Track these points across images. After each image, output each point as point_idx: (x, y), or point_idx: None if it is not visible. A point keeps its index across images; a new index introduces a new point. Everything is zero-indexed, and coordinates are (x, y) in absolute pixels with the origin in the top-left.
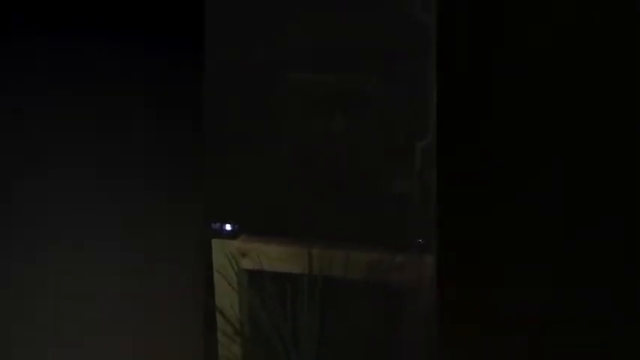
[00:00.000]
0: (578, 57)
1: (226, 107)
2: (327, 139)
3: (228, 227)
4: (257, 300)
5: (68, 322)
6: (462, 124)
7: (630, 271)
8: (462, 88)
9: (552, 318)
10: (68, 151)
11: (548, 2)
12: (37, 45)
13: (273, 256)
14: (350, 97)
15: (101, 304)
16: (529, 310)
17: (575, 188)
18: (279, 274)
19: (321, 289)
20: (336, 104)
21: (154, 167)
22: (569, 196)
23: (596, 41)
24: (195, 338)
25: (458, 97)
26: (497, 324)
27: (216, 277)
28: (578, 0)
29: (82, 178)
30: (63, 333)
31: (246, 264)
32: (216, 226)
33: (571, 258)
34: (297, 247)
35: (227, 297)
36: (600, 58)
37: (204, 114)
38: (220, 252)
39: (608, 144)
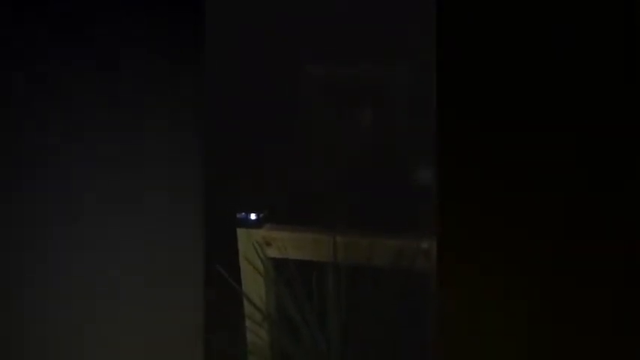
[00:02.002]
0: (580, 56)
1: (252, 98)
2: (351, 130)
3: (253, 216)
4: (283, 288)
5: (67, 321)
6: (465, 111)
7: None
8: (462, 86)
9: (552, 315)
10: (69, 153)
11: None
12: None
13: (298, 244)
14: (373, 88)
15: (101, 304)
16: (529, 308)
17: (577, 187)
18: (305, 262)
19: (347, 277)
20: (360, 96)
21: (155, 161)
22: (571, 193)
23: (598, 39)
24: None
25: (458, 94)
26: (497, 320)
27: (243, 265)
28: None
29: (83, 176)
30: (62, 333)
31: (272, 252)
32: (242, 215)
33: (571, 254)
34: (322, 235)
35: (254, 285)
36: (603, 57)
37: (227, 106)
38: (246, 241)
39: (607, 143)
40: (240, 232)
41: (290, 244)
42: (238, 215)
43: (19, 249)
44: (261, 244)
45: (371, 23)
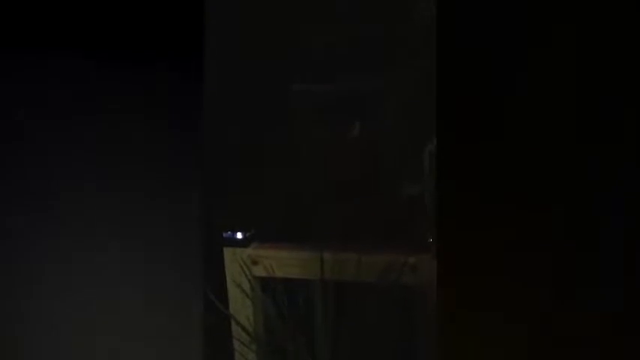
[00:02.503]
0: (579, 57)
1: (238, 116)
2: (336, 145)
3: (239, 235)
4: (271, 307)
5: (67, 325)
6: (463, 125)
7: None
8: (462, 89)
9: (553, 321)
10: (67, 164)
11: (548, 1)
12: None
13: (285, 262)
14: (359, 102)
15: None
16: (529, 312)
17: (577, 189)
18: (292, 280)
19: (334, 294)
20: (345, 110)
21: (154, 173)
22: (572, 195)
23: (598, 40)
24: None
25: (458, 98)
26: (497, 326)
27: (230, 285)
28: (579, 1)
29: (84, 186)
30: (62, 334)
31: (258, 271)
32: (228, 234)
33: (572, 258)
34: (309, 252)
35: (241, 305)
36: (602, 57)
37: (215, 123)
38: (233, 260)
39: (607, 142)
40: (227, 252)
41: (277, 262)
42: (225, 234)
43: (18, 246)
44: (248, 263)
45: (367, 33)
